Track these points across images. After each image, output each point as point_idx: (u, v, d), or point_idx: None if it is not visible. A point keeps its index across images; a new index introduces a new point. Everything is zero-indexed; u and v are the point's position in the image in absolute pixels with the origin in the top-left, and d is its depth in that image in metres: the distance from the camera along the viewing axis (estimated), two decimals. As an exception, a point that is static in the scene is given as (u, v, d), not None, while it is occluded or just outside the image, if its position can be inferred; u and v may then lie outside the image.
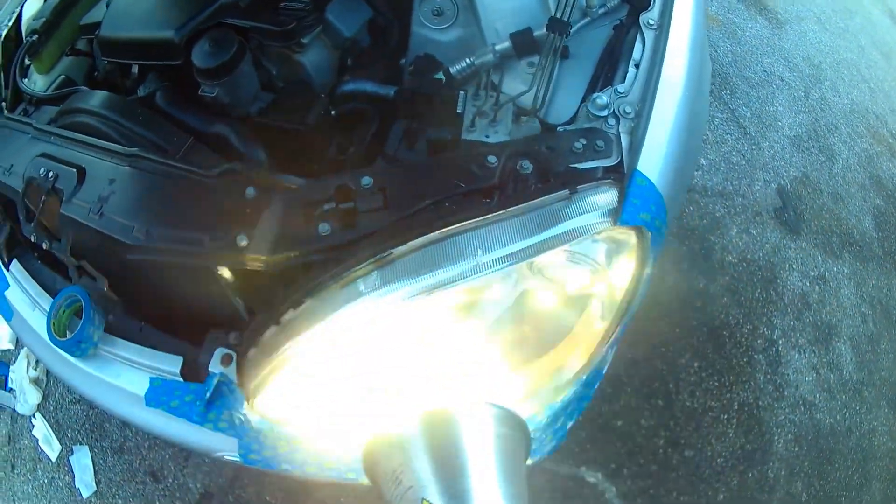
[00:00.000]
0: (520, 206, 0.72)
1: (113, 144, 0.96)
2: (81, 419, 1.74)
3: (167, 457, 1.59)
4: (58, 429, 1.75)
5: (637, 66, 0.90)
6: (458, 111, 0.84)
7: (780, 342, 1.68)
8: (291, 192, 0.77)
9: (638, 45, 0.92)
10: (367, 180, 0.74)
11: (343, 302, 0.72)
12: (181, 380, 0.89)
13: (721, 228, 1.81)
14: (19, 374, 1.85)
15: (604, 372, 0.95)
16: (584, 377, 0.87)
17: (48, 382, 1.84)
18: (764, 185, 1.91)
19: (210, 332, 0.88)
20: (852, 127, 2.15)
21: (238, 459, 0.91)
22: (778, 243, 1.82)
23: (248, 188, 0.79)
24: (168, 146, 0.95)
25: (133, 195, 0.91)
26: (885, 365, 1.74)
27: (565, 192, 0.74)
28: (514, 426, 0.71)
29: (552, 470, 1.43)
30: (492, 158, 0.74)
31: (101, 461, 1.66)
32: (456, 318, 0.77)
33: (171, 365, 0.90)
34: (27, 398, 1.81)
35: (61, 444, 1.72)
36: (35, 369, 1.85)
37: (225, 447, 0.91)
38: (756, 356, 1.64)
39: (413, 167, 0.76)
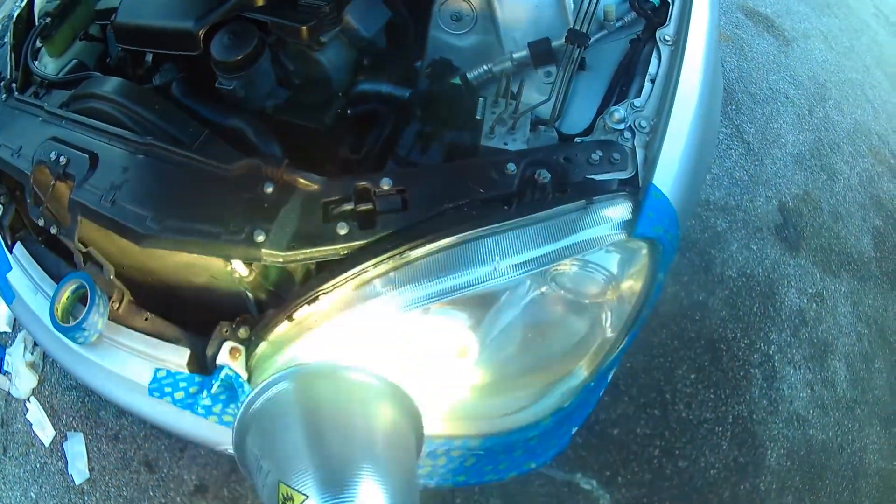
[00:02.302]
0: (537, 214, 0.73)
1: (127, 132, 0.96)
2: (77, 405, 1.73)
3: (163, 447, 1.58)
4: (52, 414, 1.74)
5: (653, 80, 0.90)
6: (478, 117, 0.85)
7: (776, 357, 1.69)
8: (310, 190, 0.77)
9: (654, 61, 0.93)
10: (386, 181, 0.74)
11: (358, 301, 0.73)
12: (186, 371, 0.88)
13: (722, 243, 1.82)
14: (16, 357, 1.83)
15: (608, 380, 0.96)
16: (591, 384, 0.88)
17: (44, 367, 1.83)
18: (766, 202, 1.93)
19: (218, 324, 0.88)
20: (855, 146, 2.17)
21: (242, 453, 0.91)
22: (777, 259, 1.84)
23: (266, 184, 0.79)
24: (183, 137, 0.94)
25: (147, 184, 0.91)
26: (879, 384, 1.76)
27: (582, 202, 0.76)
28: (406, 409, 0.59)
29: (547, 475, 1.44)
30: (511, 166, 0.75)
31: (95, 449, 1.65)
32: (467, 323, 0.77)
33: (176, 356, 0.90)
34: (22, 382, 1.79)
35: (55, 430, 1.71)
36: (32, 353, 1.84)
37: (229, 441, 0.91)
38: (752, 370, 1.66)
39: (433, 171, 0.77)
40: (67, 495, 1.62)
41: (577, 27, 0.93)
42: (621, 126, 0.83)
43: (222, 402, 0.87)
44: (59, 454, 1.67)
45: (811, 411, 1.66)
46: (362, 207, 0.74)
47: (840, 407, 1.69)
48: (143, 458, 1.60)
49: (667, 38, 0.96)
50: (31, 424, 1.74)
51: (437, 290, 0.71)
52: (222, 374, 0.83)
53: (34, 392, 1.79)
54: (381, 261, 0.71)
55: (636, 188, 0.79)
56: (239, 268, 0.81)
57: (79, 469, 1.63)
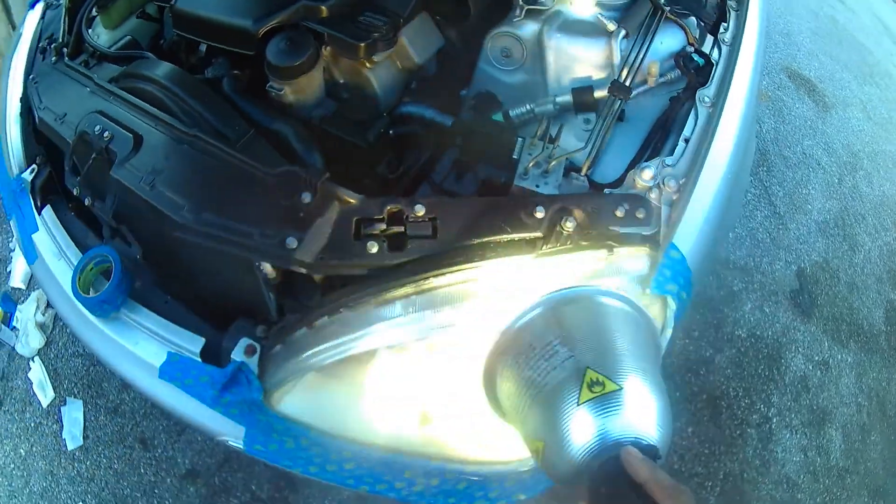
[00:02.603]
0: (559, 258, 0.75)
1: (174, 119, 0.97)
2: (80, 373, 1.75)
3: (160, 427, 1.60)
4: (55, 377, 1.76)
5: (687, 140, 0.91)
6: (514, 157, 0.87)
7: (775, 420, 1.69)
8: (346, 206, 0.79)
9: (690, 121, 0.94)
10: (419, 207, 0.77)
11: (377, 319, 0.75)
12: (199, 360, 0.90)
13: (736, 302, 1.83)
14: (26, 314, 1.87)
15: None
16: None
17: (53, 329, 1.86)
18: (784, 266, 1.93)
19: (238, 320, 0.91)
20: (879, 219, 2.17)
21: (241, 447, 0.92)
22: (788, 324, 1.84)
23: (304, 193, 0.81)
24: (229, 134, 0.96)
25: (187, 175, 0.92)
26: (872, 456, 1.74)
27: (603, 252, 0.77)
28: (654, 335, 0.75)
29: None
30: (540, 210, 0.76)
31: (92, 418, 1.67)
32: (477, 353, 0.79)
33: (191, 343, 0.92)
34: (29, 340, 1.82)
35: (55, 393, 1.73)
36: (43, 314, 1.87)
37: (230, 433, 0.93)
38: (749, 430, 1.66)
39: (464, 203, 0.79)
40: (58, 458, 1.64)
41: (622, 79, 0.95)
42: (650, 183, 0.84)
43: (231, 394, 0.88)
44: (56, 417, 1.70)
45: (802, 476, 1.65)
46: (394, 229, 0.76)
47: (831, 475, 1.68)
48: (139, 434, 1.62)
49: (706, 98, 0.97)
50: (31, 383, 1.76)
51: (451, 320, 0.73)
52: (235, 369, 0.86)
53: (39, 352, 1.82)
54: (405, 283, 0.73)
55: (656, 245, 0.80)
56: (266, 270, 0.83)
57: (73, 435, 1.65)
